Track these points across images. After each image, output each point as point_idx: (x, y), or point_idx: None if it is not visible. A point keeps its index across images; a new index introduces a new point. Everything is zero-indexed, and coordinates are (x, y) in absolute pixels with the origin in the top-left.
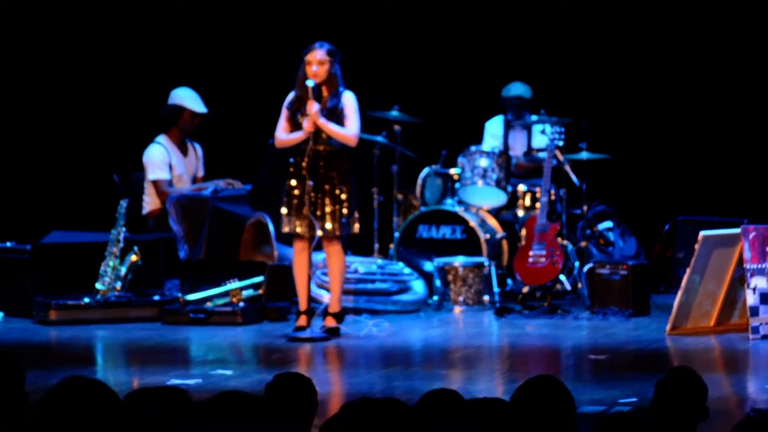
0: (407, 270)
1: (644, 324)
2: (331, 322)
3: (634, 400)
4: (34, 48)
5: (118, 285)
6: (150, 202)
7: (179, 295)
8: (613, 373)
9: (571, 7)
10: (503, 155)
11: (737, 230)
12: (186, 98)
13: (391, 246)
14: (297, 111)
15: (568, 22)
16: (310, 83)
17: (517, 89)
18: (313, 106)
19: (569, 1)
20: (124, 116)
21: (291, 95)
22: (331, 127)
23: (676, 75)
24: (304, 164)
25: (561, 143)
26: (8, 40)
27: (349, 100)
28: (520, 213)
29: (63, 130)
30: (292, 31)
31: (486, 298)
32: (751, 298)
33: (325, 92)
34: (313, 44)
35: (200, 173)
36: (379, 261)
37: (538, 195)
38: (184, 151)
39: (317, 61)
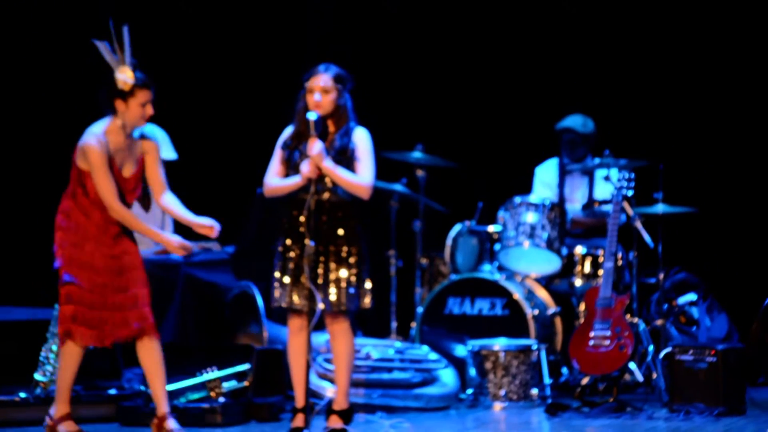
0: (433, 355)
1: (738, 426)
2: (336, 423)
3: None
4: None
5: None
6: None
7: (141, 388)
8: None
9: (640, 25)
10: (556, 208)
11: None
12: None
13: (413, 325)
14: (295, 151)
15: (638, 43)
16: (312, 116)
17: (571, 121)
18: (316, 146)
19: (637, 18)
20: (69, 156)
21: (287, 131)
22: (338, 173)
23: None
24: (302, 219)
25: (631, 193)
26: None
27: (361, 139)
28: (578, 282)
29: None
30: (288, 54)
31: (534, 391)
32: None
33: (331, 127)
34: (316, 67)
35: (168, 230)
36: (398, 344)
37: (601, 259)
38: (145, 205)
39: (321, 89)
